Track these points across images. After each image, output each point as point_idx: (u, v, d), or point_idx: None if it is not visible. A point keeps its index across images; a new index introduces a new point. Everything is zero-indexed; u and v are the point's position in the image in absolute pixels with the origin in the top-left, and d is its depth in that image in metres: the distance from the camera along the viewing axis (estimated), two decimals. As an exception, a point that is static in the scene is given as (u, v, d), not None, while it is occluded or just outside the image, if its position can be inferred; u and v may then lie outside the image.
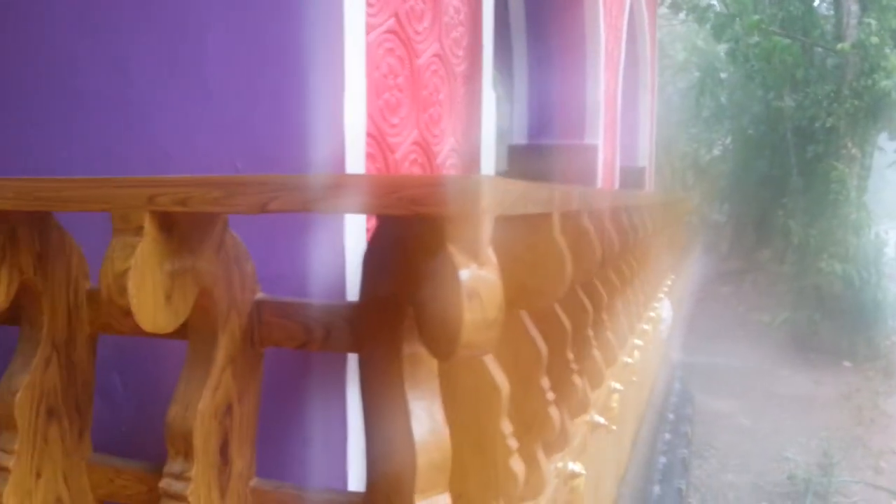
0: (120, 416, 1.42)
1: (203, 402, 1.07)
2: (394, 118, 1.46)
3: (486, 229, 0.79)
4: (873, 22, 8.75)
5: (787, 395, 7.65)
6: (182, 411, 1.07)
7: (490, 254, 0.81)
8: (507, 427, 1.22)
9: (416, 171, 1.60)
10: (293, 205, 0.85)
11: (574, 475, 1.90)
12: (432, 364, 0.96)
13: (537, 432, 1.50)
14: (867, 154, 10.21)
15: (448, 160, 1.77)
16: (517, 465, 1.23)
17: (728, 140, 17.13)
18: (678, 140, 17.05)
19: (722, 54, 14.57)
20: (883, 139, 10.40)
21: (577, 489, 1.93)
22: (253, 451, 1.19)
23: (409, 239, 0.87)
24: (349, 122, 1.22)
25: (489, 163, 1.98)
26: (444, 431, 0.95)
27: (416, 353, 0.94)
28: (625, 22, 4.55)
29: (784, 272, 11.91)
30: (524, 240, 1.05)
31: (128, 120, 1.37)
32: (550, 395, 1.57)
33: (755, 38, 10.54)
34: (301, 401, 1.30)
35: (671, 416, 5.86)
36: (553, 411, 1.58)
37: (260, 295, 1.15)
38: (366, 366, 1.03)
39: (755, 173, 14.80)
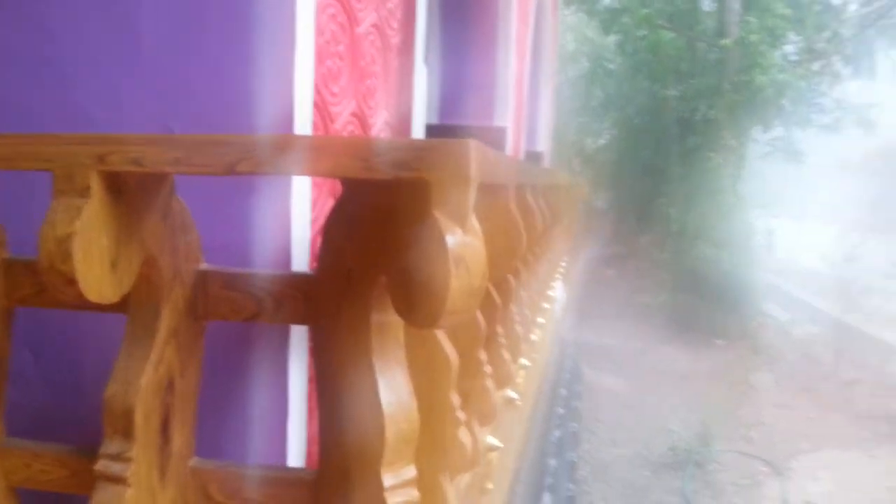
0: (34, 397, 1.31)
1: (145, 378, 1.00)
2: (334, 87, 1.42)
3: (472, 196, 0.79)
4: (754, 20, 9.32)
5: (667, 371, 8.10)
6: (122, 388, 1.00)
7: (474, 221, 0.80)
8: (455, 399, 1.22)
9: (353, 142, 1.57)
10: (265, 166, 0.81)
11: (491, 448, 1.93)
12: (400, 334, 0.95)
13: (475, 405, 1.52)
14: (743, 145, 10.90)
15: (382, 133, 1.74)
16: (465, 436, 1.24)
17: (614, 129, 17.81)
18: (567, 128, 17.56)
19: (610, 46, 15.14)
20: (758, 131, 11.16)
21: (491, 462, 1.96)
22: (193, 429, 1.13)
23: (388, 205, 0.85)
24: (298, 87, 1.17)
25: (420, 138, 1.96)
26: (412, 402, 0.94)
27: (386, 323, 0.92)
28: (534, 7, 4.62)
29: (663, 257, 12.58)
30: (481, 211, 1.05)
31: (45, 79, 1.25)
32: (488, 369, 1.59)
33: (643, 32, 11.00)
34: (240, 376, 1.24)
35: (563, 392, 6.07)
36: (489, 384, 1.60)
37: (204, 265, 1.09)
38: (324, 337, 1.00)
39: (639, 162, 15.47)
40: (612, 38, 13.20)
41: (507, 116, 3.80)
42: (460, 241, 0.77)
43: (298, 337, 1.23)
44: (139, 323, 1.03)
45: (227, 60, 1.14)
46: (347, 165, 0.79)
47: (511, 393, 2.37)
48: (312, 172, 0.86)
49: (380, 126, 1.74)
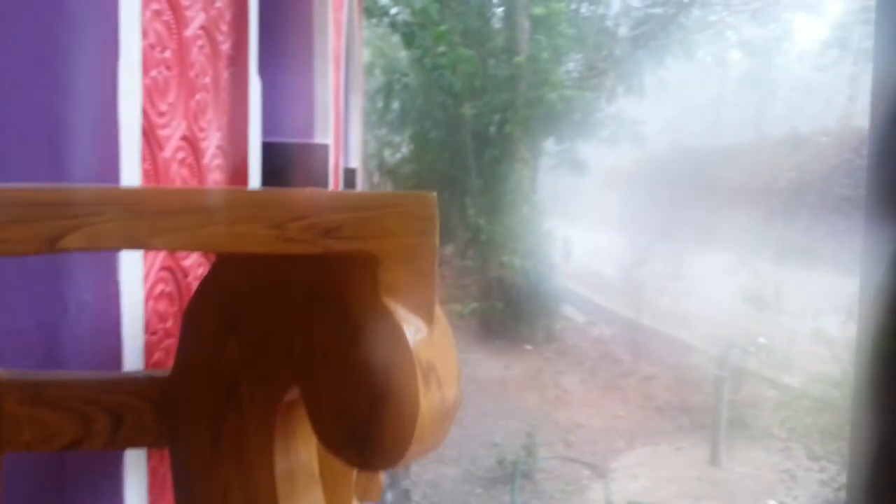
0: None
1: None
2: (162, 104, 1.09)
3: (436, 271, 0.54)
4: (543, 38, 9.80)
5: (485, 380, 8.21)
6: None
7: (439, 309, 0.56)
8: (355, 505, 0.96)
9: (186, 174, 1.24)
10: (107, 239, 0.51)
11: None
12: (315, 468, 0.67)
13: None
14: (537, 158, 11.46)
15: (214, 160, 1.42)
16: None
17: (412, 143, 18.04)
18: (366, 142, 17.50)
19: (405, 59, 15.32)
20: (549, 144, 11.79)
21: None
22: None
23: (299, 282, 0.58)
24: (124, 104, 0.85)
25: (257, 165, 1.65)
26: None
27: (294, 452, 0.65)
28: (345, 20, 4.38)
29: (468, 266, 12.88)
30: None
31: None
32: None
33: (441, 48, 11.19)
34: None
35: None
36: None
37: (-8, 370, 0.74)
38: (196, 465, 0.70)
39: (438, 175, 15.77)
40: (406, 53, 13.35)
41: (328, 133, 3.52)
42: (427, 341, 0.53)
43: (136, 457, 0.90)
44: None
45: (26, 65, 0.79)
46: (251, 236, 0.51)
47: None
48: (191, 246, 0.56)
49: (212, 151, 1.42)
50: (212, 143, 1.39)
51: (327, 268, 0.55)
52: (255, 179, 1.63)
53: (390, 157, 19.18)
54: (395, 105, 17.13)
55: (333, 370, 0.55)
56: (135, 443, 0.74)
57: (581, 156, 12.29)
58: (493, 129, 12.42)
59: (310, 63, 3.37)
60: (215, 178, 1.44)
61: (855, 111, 21.01)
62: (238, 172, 1.55)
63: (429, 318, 0.53)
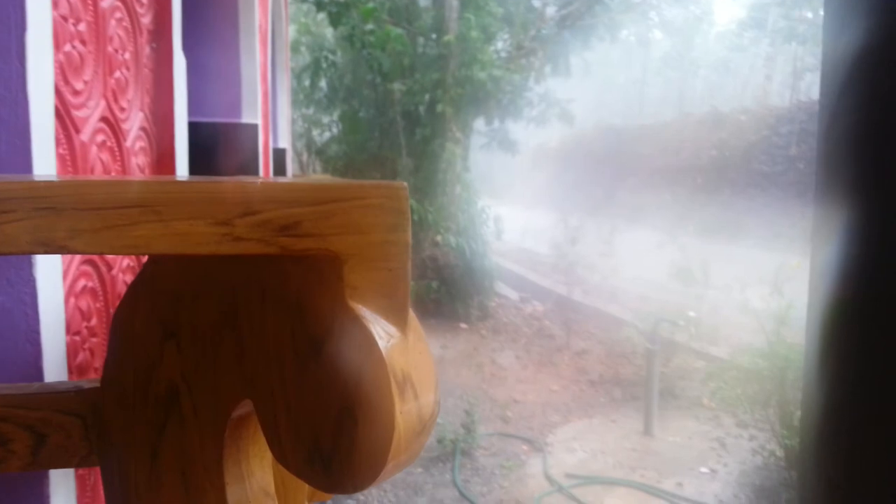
0: None
1: None
2: (77, 82, 0.99)
3: (409, 269, 0.49)
4: (472, 17, 9.74)
5: (421, 363, 8.18)
6: None
7: (412, 313, 0.51)
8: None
9: (106, 159, 1.13)
10: (18, 242, 0.43)
11: None
12: (272, 486, 0.61)
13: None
14: (468, 137, 11.44)
15: (138, 143, 1.31)
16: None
17: (341, 122, 17.74)
18: (294, 121, 17.11)
19: (331, 37, 15.00)
20: (480, 124, 11.79)
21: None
22: None
23: (251, 281, 0.51)
24: (34, 82, 0.75)
25: (184, 148, 1.54)
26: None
27: (248, 474, 0.58)
28: (272, -8, 4.21)
29: (401, 246, 12.77)
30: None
31: None
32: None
33: (369, 26, 10.99)
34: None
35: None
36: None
37: None
38: (132, 484, 0.62)
39: (367, 154, 15.58)
40: (332, 30, 13.08)
41: (256, 113, 3.39)
42: (400, 347, 0.47)
43: (63, 476, 0.81)
44: None
45: None
46: (193, 236, 0.44)
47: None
48: (121, 249, 0.49)
49: (135, 133, 1.31)
50: (134, 124, 1.28)
51: (283, 268, 0.49)
52: (182, 163, 1.53)
53: (318, 136, 18.83)
54: (323, 84, 16.79)
55: (292, 382, 0.49)
56: (60, 463, 0.66)
57: (511, 135, 12.35)
58: (423, 108, 12.31)
59: (235, 39, 3.22)
60: (139, 161, 1.33)
61: (771, 90, 21.83)
62: (164, 156, 1.45)
63: (401, 322, 0.47)
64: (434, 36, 11.17)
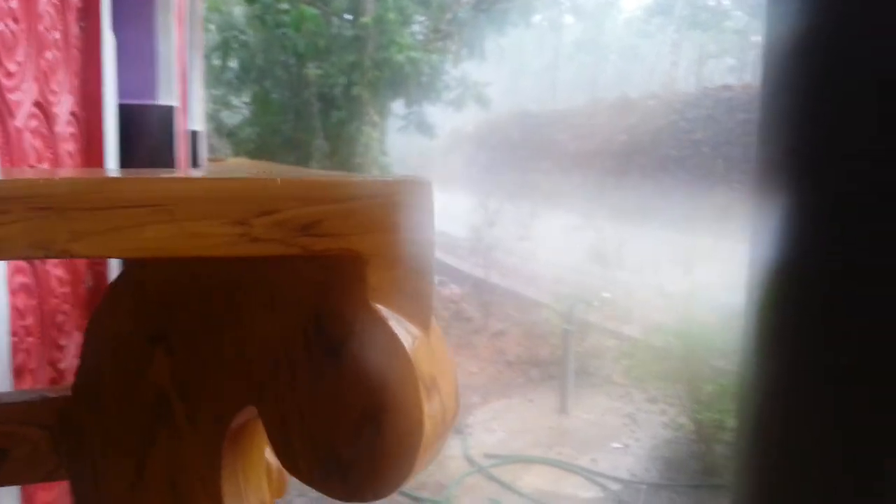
0: None
1: None
2: (10, 63, 0.91)
3: (433, 269, 0.48)
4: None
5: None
6: None
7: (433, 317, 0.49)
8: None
9: (39, 145, 1.05)
10: (15, 246, 0.39)
11: None
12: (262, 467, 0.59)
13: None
14: (385, 120, 11.36)
15: (68, 128, 1.23)
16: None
17: (253, 104, 17.25)
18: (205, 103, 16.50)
19: (241, 15, 14.51)
20: (398, 106, 11.71)
21: None
22: None
23: (257, 291, 0.49)
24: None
25: (114, 133, 1.45)
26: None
27: (250, 488, 0.56)
28: (187, -33, 4.01)
29: (317, 231, 12.57)
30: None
31: None
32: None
33: (283, 5, 10.71)
34: None
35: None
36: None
37: None
38: (108, 494, 0.59)
39: (281, 137, 15.21)
40: (242, 9, 12.68)
41: (172, 94, 3.24)
42: (426, 349, 0.46)
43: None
44: None
45: None
46: (208, 237, 0.41)
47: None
48: (128, 251, 0.44)
49: (65, 118, 1.23)
50: (64, 107, 1.20)
51: (294, 267, 0.46)
52: (112, 150, 1.44)
53: (229, 118, 18.24)
54: (234, 64, 16.24)
55: (305, 388, 0.47)
56: (24, 478, 0.62)
57: (429, 118, 12.33)
58: (339, 90, 12.12)
59: (152, 17, 3.06)
60: (69, 148, 1.25)
61: (677, 76, 22.63)
62: (93, 141, 1.36)
63: (425, 323, 0.46)
64: (350, 17, 10.99)
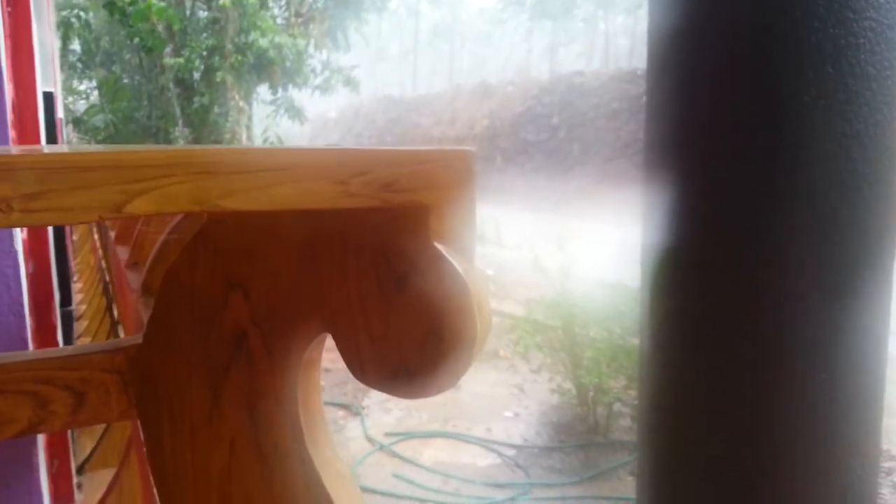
0: None
1: None
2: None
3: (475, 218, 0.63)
4: (252, -18, 9.42)
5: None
6: None
7: (470, 250, 0.64)
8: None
9: None
10: (178, 201, 0.50)
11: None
12: (322, 413, 0.71)
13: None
14: (252, 105, 11.11)
15: (9, 116, 1.24)
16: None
17: (102, 89, 16.23)
18: (44, 87, 15.31)
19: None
20: (264, 91, 11.48)
21: None
22: None
23: (329, 241, 0.61)
24: None
25: (42, 118, 1.45)
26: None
27: (313, 405, 0.68)
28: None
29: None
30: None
31: None
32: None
33: (131, -6, 10.18)
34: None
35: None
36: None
37: None
38: (183, 425, 0.69)
39: (136, 124, 14.46)
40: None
41: (49, 79, 3.13)
42: (473, 279, 0.61)
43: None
44: None
45: None
46: (318, 193, 0.54)
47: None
48: (258, 205, 0.55)
49: (8, 105, 1.24)
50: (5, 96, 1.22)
51: (364, 218, 0.60)
52: (42, 133, 1.45)
53: (74, 105, 17.07)
54: (76, 46, 15.20)
55: (376, 314, 0.60)
56: (99, 418, 0.70)
57: (297, 103, 12.17)
58: (198, 74, 11.70)
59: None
60: (11, 135, 1.26)
61: (531, 63, 23.59)
62: (27, 126, 1.37)
63: (471, 258, 0.61)
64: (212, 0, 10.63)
